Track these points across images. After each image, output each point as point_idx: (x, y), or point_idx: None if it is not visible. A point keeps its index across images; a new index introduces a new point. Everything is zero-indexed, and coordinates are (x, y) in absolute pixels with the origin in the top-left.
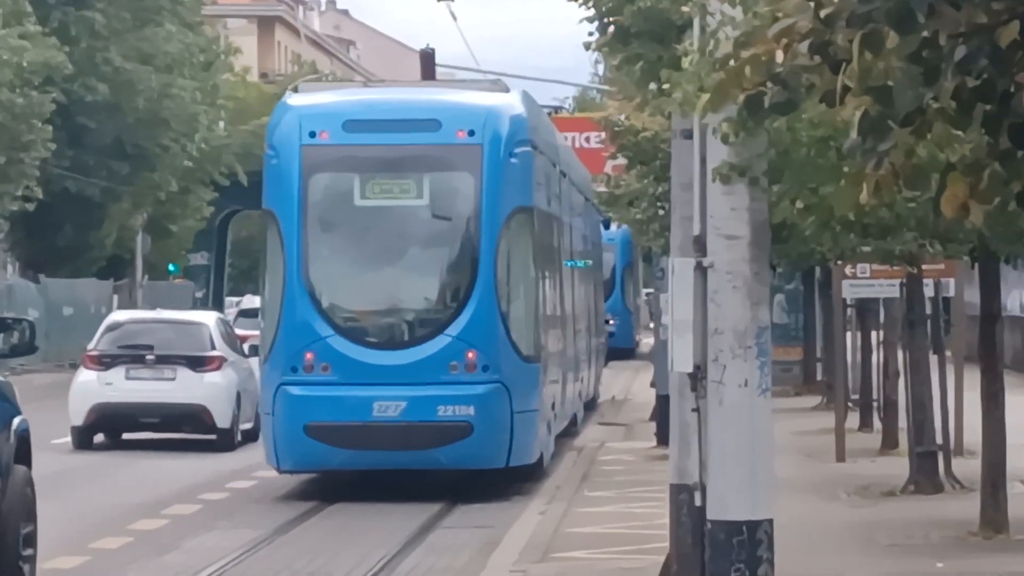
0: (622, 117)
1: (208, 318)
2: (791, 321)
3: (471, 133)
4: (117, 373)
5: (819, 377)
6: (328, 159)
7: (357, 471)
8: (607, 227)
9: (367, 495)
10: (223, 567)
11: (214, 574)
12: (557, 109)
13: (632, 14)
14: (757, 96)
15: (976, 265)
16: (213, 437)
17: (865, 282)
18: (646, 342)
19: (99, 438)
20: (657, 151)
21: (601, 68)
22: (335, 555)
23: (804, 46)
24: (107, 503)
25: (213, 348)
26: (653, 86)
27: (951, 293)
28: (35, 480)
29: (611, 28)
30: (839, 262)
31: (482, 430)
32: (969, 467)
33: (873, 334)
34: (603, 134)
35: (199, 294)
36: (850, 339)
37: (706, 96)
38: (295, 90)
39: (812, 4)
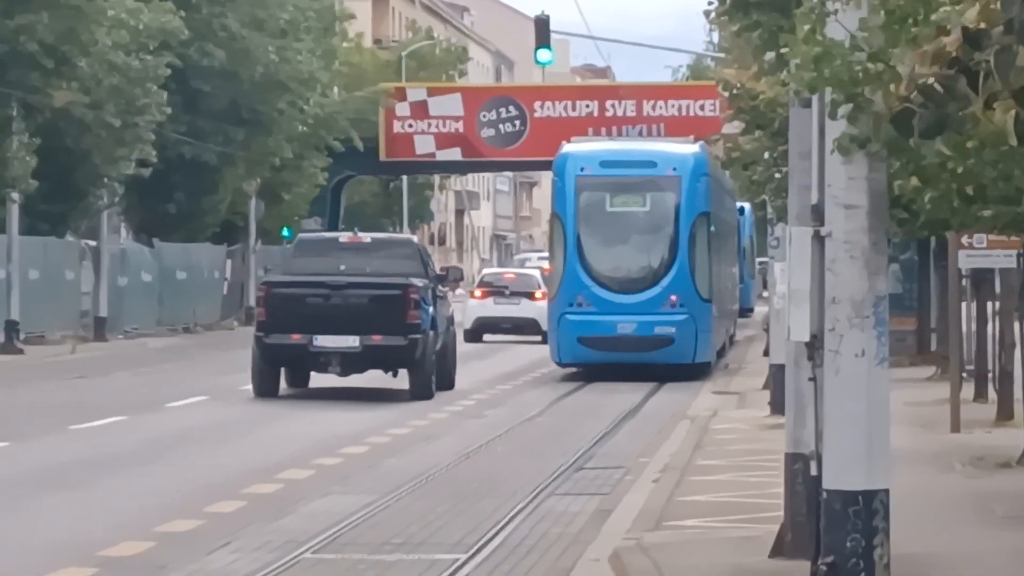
0: (740, 84)
1: (536, 272)
2: (906, 291)
3: (674, 169)
4: (489, 300)
5: (934, 347)
6: (591, 183)
7: (605, 364)
8: (742, 212)
9: (604, 377)
10: (532, 416)
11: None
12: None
13: None
14: (905, 113)
15: None
16: (539, 338)
17: (981, 252)
18: (759, 311)
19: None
20: (775, 115)
21: (715, 36)
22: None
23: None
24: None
25: (539, 287)
26: (771, 55)
27: None
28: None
29: None
30: (955, 231)
31: (679, 341)
32: None
33: (989, 304)
34: (717, 103)
35: None
36: (965, 309)
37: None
38: (568, 141)
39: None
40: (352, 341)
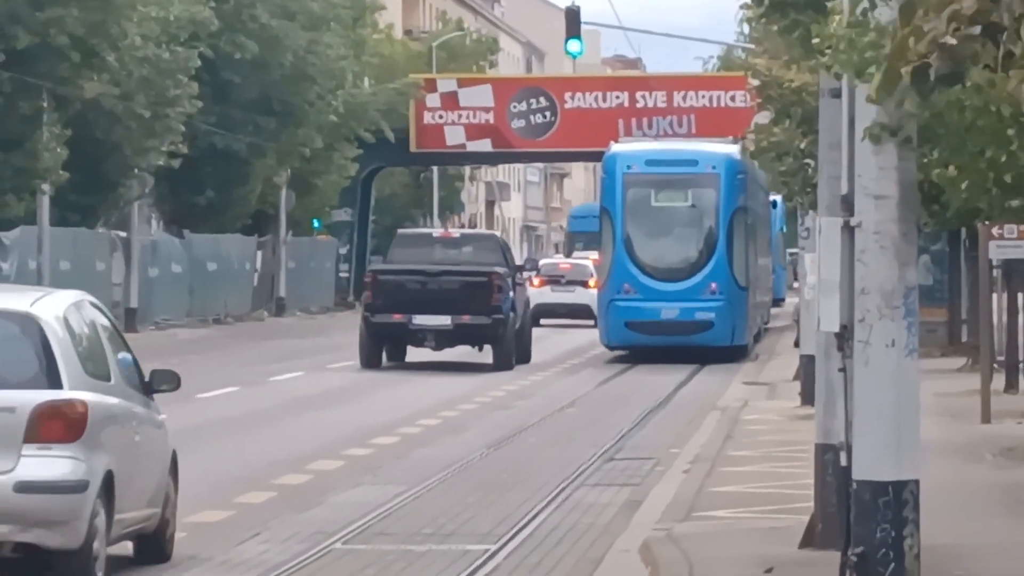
0: (769, 71)
1: (588, 262)
2: (936, 282)
3: (714, 167)
4: (546, 288)
5: (964, 338)
6: (637, 180)
7: (650, 347)
8: (775, 206)
9: (649, 360)
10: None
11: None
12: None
13: None
14: (922, 68)
15: None
16: (592, 323)
17: (1012, 243)
18: (790, 301)
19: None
20: (802, 103)
21: (746, 27)
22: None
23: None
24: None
25: (591, 276)
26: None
27: None
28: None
29: None
30: (986, 222)
31: (718, 325)
32: None
33: (1020, 295)
34: (747, 94)
35: (343, 250)
36: (996, 300)
37: (877, 78)
38: (615, 142)
39: None
40: (445, 320)
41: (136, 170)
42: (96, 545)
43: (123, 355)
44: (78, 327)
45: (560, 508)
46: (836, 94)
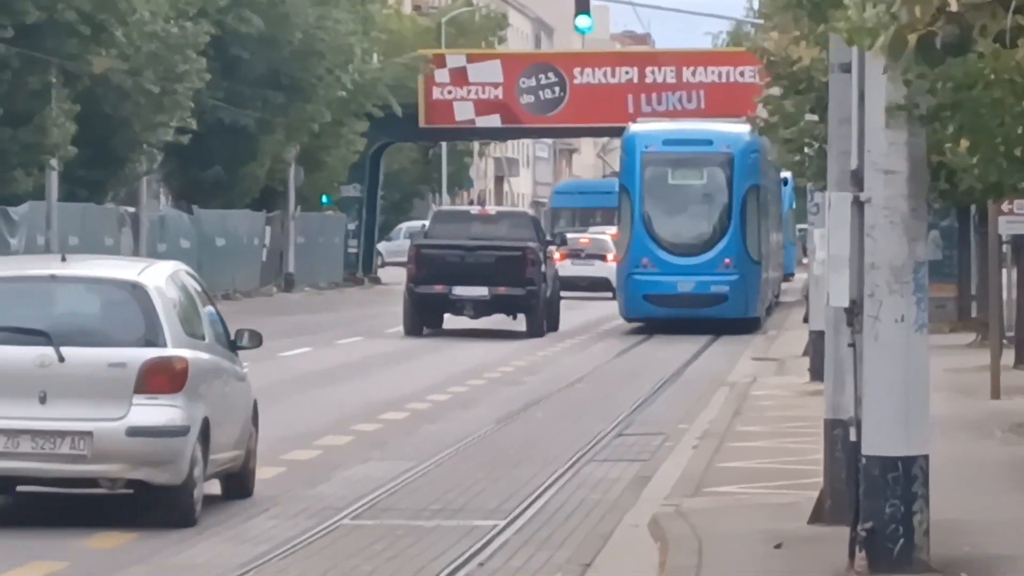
0: (778, 51)
1: (608, 237)
2: (946, 257)
3: (728, 147)
4: (567, 261)
5: (974, 314)
6: (655, 159)
7: (667, 319)
8: (786, 183)
9: (666, 331)
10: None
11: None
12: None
13: None
14: (928, 37)
15: None
16: (610, 295)
17: (1021, 218)
18: (800, 276)
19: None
20: (812, 80)
21: (755, 2)
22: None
23: None
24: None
25: (610, 250)
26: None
27: None
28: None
29: None
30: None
31: (732, 298)
32: None
33: None
34: (757, 69)
35: (351, 226)
36: (1005, 276)
37: (879, 40)
38: (634, 122)
39: None
40: (482, 291)
41: (145, 145)
42: (195, 481)
43: (212, 316)
44: (176, 293)
45: (569, 483)
46: (846, 68)
